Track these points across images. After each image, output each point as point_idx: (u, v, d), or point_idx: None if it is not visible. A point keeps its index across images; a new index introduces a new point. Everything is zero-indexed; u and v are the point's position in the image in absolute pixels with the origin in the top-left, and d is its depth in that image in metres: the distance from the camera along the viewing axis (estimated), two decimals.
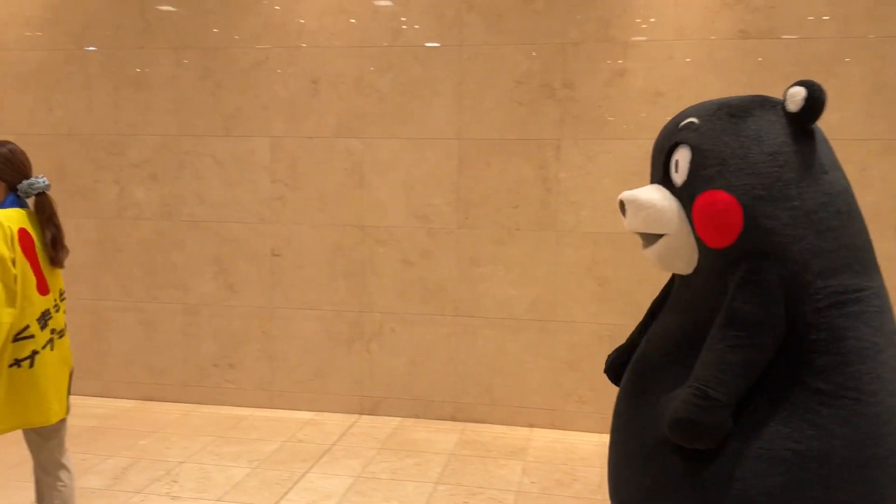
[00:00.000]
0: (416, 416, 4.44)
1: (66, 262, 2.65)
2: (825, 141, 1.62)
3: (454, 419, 4.38)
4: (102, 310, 4.73)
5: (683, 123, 1.64)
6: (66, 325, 2.66)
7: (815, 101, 1.52)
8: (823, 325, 1.46)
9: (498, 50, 4.20)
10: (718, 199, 1.50)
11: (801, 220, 1.48)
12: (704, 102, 1.69)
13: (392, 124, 4.36)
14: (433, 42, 4.27)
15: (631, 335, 1.98)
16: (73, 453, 3.88)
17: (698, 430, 1.46)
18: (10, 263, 2.33)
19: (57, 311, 2.58)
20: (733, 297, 1.49)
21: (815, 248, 1.47)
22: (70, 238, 4.77)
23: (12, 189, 2.53)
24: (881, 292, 1.54)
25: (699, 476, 1.49)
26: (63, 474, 2.64)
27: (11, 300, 2.34)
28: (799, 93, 1.53)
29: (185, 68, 4.52)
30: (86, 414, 4.42)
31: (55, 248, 2.55)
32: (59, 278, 2.64)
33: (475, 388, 4.37)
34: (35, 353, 2.46)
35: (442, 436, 4.13)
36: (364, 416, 4.45)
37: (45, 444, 2.59)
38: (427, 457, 3.82)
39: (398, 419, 4.41)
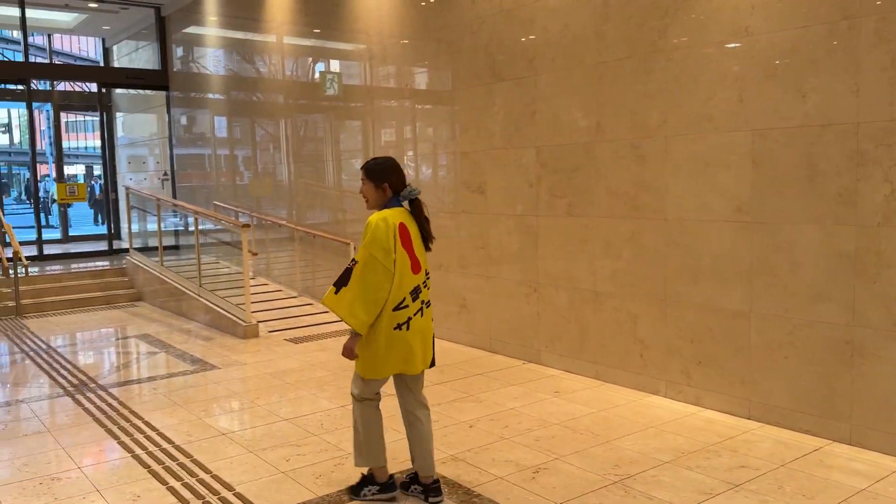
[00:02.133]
0: None
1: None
2: None
3: None
4: (858, 337, 3.84)
5: None
6: (428, 300, 3.32)
7: None
8: None
9: None
10: None
11: None
12: None
13: None
14: None
15: None
16: None
17: None
18: (392, 252, 3.10)
19: (425, 286, 3.29)
20: None
21: None
22: (818, 249, 4.08)
23: (396, 193, 3.29)
24: None
25: None
26: (422, 412, 3.36)
27: (389, 279, 3.11)
28: None
29: None
30: (849, 468, 3.59)
31: (425, 239, 3.31)
32: (425, 262, 3.31)
33: None
34: (409, 319, 3.19)
35: None
36: None
37: (410, 390, 3.36)
38: None
39: None
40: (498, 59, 5.88)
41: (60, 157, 13.60)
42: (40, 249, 11.27)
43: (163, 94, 12.20)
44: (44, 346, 6.95)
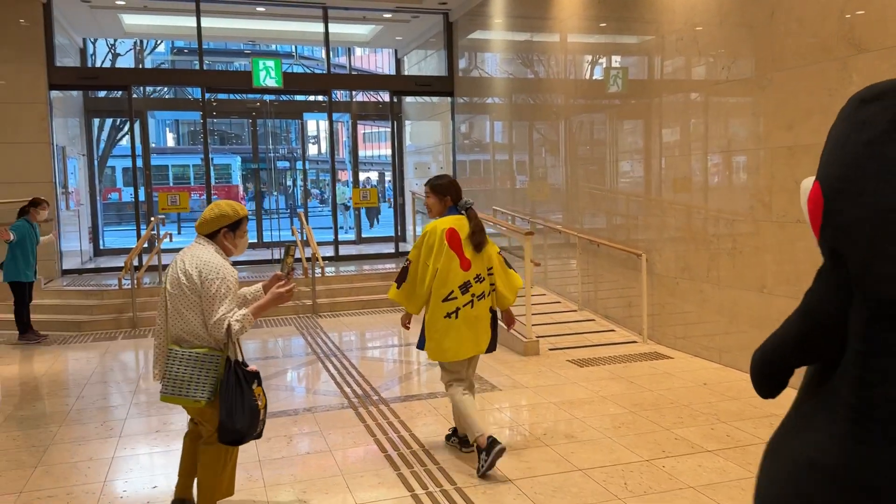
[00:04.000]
0: None
1: None
2: None
3: None
4: None
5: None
6: (488, 293, 3.90)
7: None
8: (870, 337, 1.25)
9: None
10: (811, 191, 1.37)
11: (871, 219, 1.24)
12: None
13: None
14: None
15: None
16: None
17: (752, 372, 1.51)
18: (432, 252, 3.80)
19: (479, 282, 3.84)
20: None
21: (879, 251, 1.23)
22: None
23: (454, 203, 3.98)
24: None
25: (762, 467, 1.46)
26: (460, 388, 3.96)
27: (430, 274, 3.80)
28: None
29: None
30: None
31: (474, 241, 3.85)
32: (483, 261, 3.88)
33: None
34: (458, 309, 3.80)
35: None
36: None
37: (455, 375, 3.96)
38: None
39: None
40: (857, 23, 4.54)
41: (356, 165, 14.50)
42: (336, 250, 11.98)
43: (447, 100, 12.31)
44: (334, 348, 7.06)
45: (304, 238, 10.03)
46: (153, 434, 4.60)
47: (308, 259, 9.32)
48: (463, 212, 3.96)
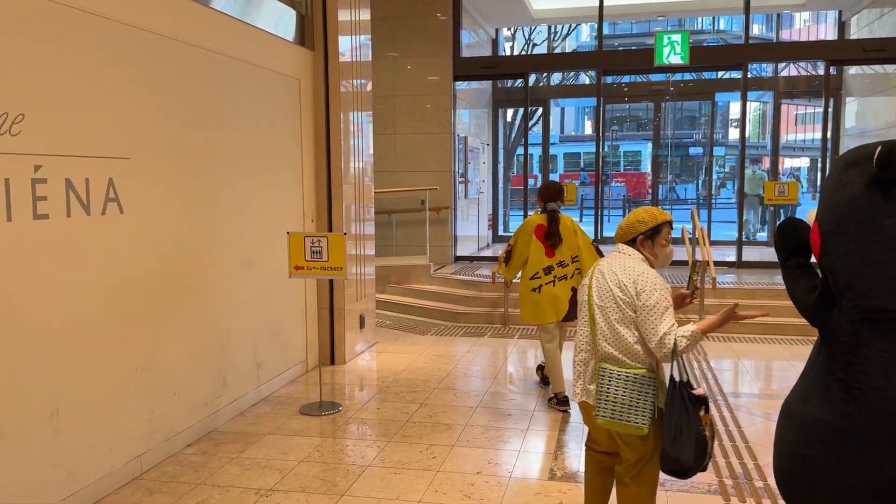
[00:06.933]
0: None
1: None
2: None
3: None
4: None
5: None
6: (570, 276, 5.02)
7: (880, 157, 1.84)
8: (852, 332, 1.89)
9: None
10: (812, 227, 2.06)
11: (853, 252, 1.89)
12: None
13: None
14: None
15: None
16: None
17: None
18: (524, 241, 5.11)
19: (562, 266, 4.98)
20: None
21: (860, 274, 1.87)
22: None
23: (545, 204, 5.16)
24: None
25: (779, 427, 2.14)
26: (556, 351, 5.15)
27: (521, 255, 5.11)
28: (877, 151, 1.85)
29: None
30: None
31: (548, 237, 5.00)
32: (569, 250, 5.01)
33: None
34: (540, 286, 5.00)
35: None
36: None
37: (548, 335, 5.11)
38: None
39: None
40: None
41: (777, 151, 12.24)
42: (739, 254, 10.13)
43: None
44: (716, 389, 5.61)
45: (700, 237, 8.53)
46: (472, 477, 3.92)
47: (697, 263, 7.85)
48: (546, 213, 5.14)
